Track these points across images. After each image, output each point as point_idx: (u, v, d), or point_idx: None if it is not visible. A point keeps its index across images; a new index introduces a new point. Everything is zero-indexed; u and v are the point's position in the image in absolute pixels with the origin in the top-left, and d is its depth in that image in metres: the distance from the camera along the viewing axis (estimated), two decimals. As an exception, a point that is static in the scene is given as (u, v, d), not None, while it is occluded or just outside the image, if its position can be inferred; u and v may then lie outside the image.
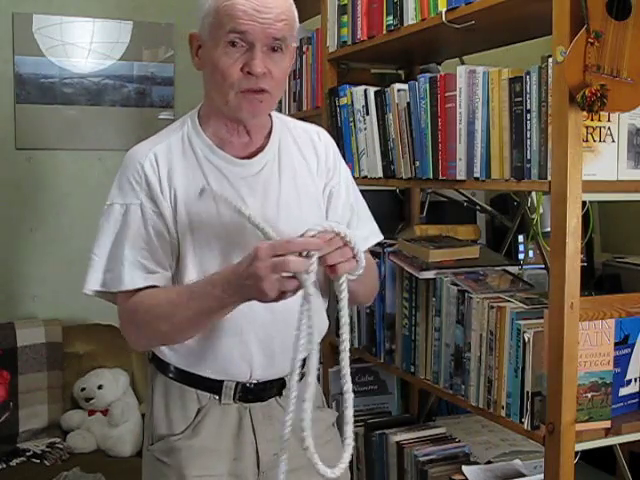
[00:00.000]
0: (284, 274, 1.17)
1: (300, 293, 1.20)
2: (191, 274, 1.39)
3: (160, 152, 1.42)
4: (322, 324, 1.54)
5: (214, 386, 1.45)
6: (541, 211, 2.60)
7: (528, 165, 1.57)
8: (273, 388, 1.49)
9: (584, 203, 1.50)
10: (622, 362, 1.61)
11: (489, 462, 2.06)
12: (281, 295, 1.20)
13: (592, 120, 1.48)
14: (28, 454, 2.64)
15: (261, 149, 1.47)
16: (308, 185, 1.50)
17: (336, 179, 1.54)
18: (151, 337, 1.40)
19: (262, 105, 1.39)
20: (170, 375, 1.47)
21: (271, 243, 1.20)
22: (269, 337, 1.44)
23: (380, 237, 1.61)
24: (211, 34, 1.35)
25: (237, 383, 1.45)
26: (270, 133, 1.48)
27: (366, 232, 1.56)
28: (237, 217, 1.37)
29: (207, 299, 1.29)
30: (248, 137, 1.45)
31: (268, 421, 1.48)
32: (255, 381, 1.46)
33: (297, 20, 1.40)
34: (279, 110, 2.81)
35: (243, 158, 1.45)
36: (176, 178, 1.40)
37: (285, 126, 1.52)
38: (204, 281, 1.31)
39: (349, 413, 1.20)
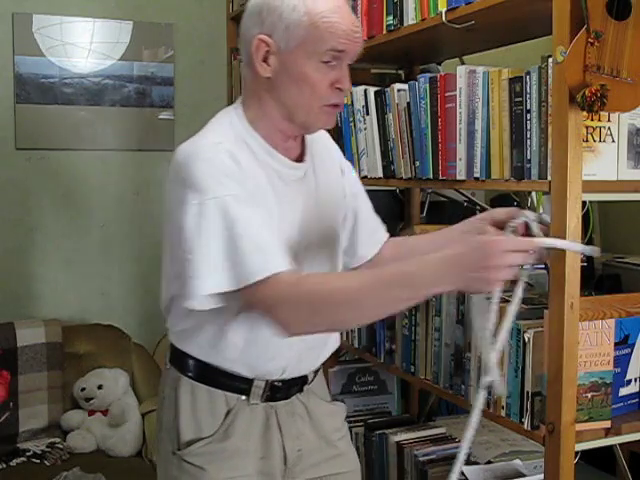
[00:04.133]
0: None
1: None
2: None
3: (231, 147, 1.36)
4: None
5: (243, 386, 1.45)
6: (541, 211, 2.60)
7: (528, 165, 1.57)
8: (297, 385, 1.52)
9: (584, 203, 1.50)
10: (622, 362, 1.61)
11: (489, 462, 2.06)
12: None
13: (592, 120, 1.48)
14: (28, 454, 2.64)
15: (302, 154, 1.49)
16: (335, 186, 1.56)
17: (353, 179, 1.64)
18: (324, 323, 1.30)
19: (335, 117, 1.45)
20: (197, 377, 1.45)
21: (505, 239, 1.22)
22: (310, 336, 1.45)
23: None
24: (301, 46, 1.34)
25: (266, 382, 1.46)
26: (303, 138, 1.50)
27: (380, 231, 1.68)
28: (294, 220, 1.42)
29: (407, 289, 1.23)
30: (294, 142, 1.47)
31: (291, 418, 1.50)
32: (283, 379, 1.48)
33: None
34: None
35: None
36: (251, 175, 1.36)
37: None
38: (400, 270, 1.26)
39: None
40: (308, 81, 1.35)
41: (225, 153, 1.34)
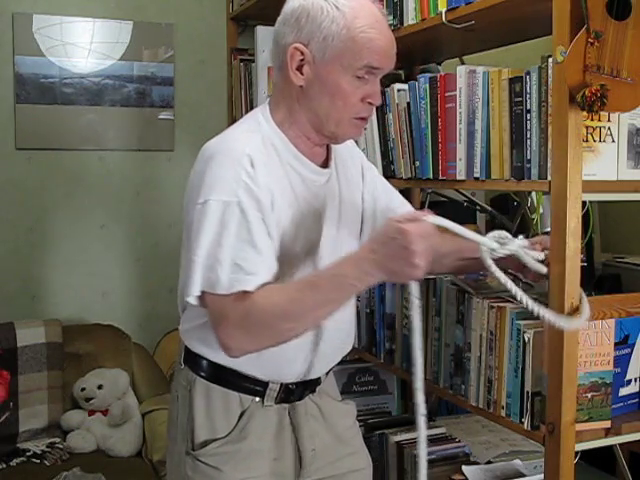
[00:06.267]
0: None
1: None
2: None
3: (253, 152, 1.35)
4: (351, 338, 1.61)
5: (257, 388, 1.46)
6: (541, 211, 2.60)
7: (528, 165, 1.57)
8: (310, 387, 1.53)
9: (584, 203, 1.50)
10: (622, 362, 1.61)
11: (489, 462, 2.07)
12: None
13: (592, 120, 1.48)
14: (28, 454, 2.64)
15: (327, 159, 1.49)
16: (355, 193, 1.57)
17: (374, 181, 1.64)
18: (266, 338, 1.32)
19: (362, 130, 1.45)
20: (211, 378, 1.45)
21: (416, 225, 1.21)
22: (326, 340, 1.48)
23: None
24: (338, 59, 1.33)
25: (281, 385, 1.46)
26: (328, 145, 1.50)
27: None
28: (315, 225, 1.42)
29: (338, 289, 1.27)
30: (320, 149, 1.47)
31: (304, 418, 1.51)
32: (297, 382, 1.48)
33: None
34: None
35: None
36: (271, 181, 1.36)
37: None
38: (328, 272, 1.30)
39: None
40: (341, 93, 1.35)
41: (245, 158, 1.32)
